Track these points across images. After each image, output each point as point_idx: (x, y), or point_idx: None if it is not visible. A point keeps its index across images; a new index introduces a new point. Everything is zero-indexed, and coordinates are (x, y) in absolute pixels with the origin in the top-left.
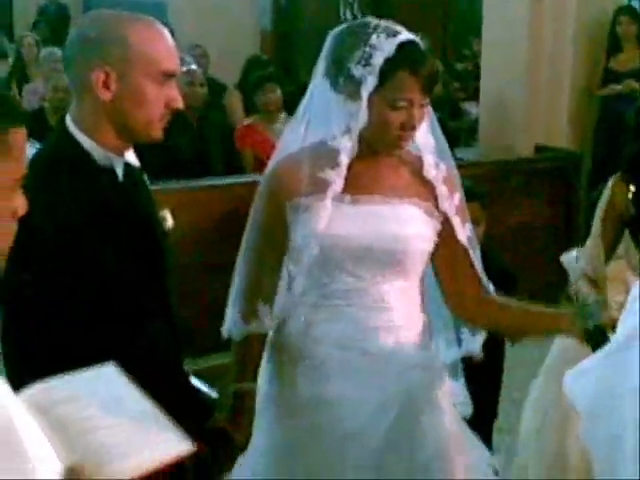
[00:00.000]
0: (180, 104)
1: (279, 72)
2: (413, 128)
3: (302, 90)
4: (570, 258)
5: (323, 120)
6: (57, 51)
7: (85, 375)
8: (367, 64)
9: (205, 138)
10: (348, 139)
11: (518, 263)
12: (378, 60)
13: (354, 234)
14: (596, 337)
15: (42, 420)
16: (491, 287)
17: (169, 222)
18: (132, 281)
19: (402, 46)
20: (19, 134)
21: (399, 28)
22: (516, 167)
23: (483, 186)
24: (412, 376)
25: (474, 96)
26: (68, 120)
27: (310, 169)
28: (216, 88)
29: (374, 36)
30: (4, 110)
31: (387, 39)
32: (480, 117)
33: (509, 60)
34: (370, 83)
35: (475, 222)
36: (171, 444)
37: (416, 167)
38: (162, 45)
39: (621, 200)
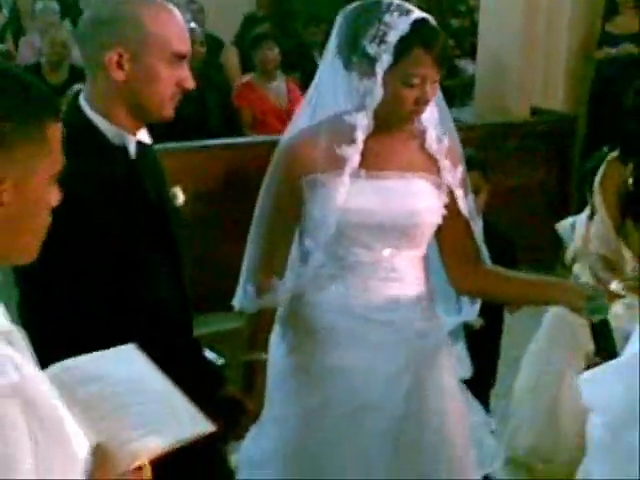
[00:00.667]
0: (191, 84)
1: (275, 29)
2: (426, 103)
3: (300, 47)
4: (565, 226)
5: (331, 96)
6: (53, 4)
7: (106, 355)
8: (382, 42)
9: (204, 96)
10: (364, 116)
11: (512, 226)
12: (393, 38)
13: (370, 209)
14: (601, 331)
15: (66, 400)
16: (488, 260)
17: (180, 199)
18: (143, 256)
19: (416, 24)
20: (56, 128)
21: (411, 6)
22: (512, 130)
23: (482, 153)
24: (421, 344)
25: (470, 53)
26: (81, 99)
27: (327, 145)
28: (213, 45)
29: (388, 14)
30: (42, 103)
31: (400, 17)
32: (476, 78)
33: (506, 21)
34: (385, 61)
35: (477, 191)
36: (191, 424)
37: (422, 141)
38: (174, 27)
39: (619, 180)
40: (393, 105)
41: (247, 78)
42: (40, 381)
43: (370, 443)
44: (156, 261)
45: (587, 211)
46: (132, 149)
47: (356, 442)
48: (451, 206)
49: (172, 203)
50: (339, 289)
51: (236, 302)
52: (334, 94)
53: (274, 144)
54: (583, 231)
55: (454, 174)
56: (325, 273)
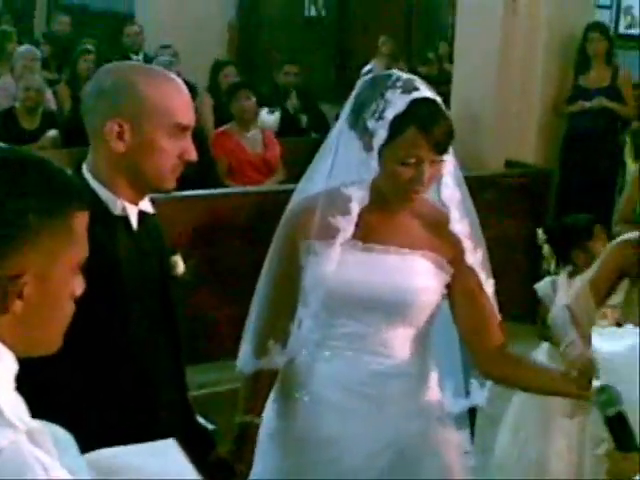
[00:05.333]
0: (194, 156)
1: (244, 73)
2: (422, 184)
3: (276, 89)
4: (545, 286)
5: (346, 166)
6: (34, 50)
7: (145, 448)
8: (380, 118)
9: None
10: (360, 188)
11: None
12: (389, 115)
13: (362, 282)
14: (618, 425)
15: None
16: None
17: (180, 267)
18: (140, 326)
19: (414, 103)
20: (82, 218)
21: (419, 84)
22: (487, 182)
23: None
24: (409, 425)
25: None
26: (84, 168)
27: (322, 214)
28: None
29: (390, 90)
30: (68, 194)
31: (401, 94)
32: None
33: (480, 74)
34: (380, 137)
35: None
36: None
37: (435, 220)
38: (176, 98)
39: (627, 258)
40: (389, 181)
41: (225, 127)
42: None
43: None
44: (153, 332)
45: (568, 269)
46: (134, 220)
47: None
48: (471, 289)
49: (172, 271)
50: (327, 358)
51: (238, 363)
52: (348, 163)
53: (250, 195)
54: (566, 290)
55: (476, 257)
56: (315, 340)
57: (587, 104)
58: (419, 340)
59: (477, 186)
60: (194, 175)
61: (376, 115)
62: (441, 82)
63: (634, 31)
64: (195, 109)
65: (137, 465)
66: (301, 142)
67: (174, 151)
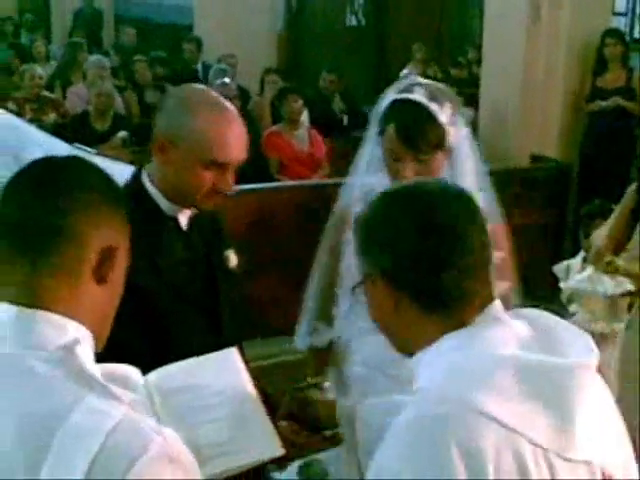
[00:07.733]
0: (228, 188)
1: (293, 78)
2: (404, 180)
3: (320, 97)
4: (561, 268)
5: (378, 161)
6: (103, 59)
7: (205, 362)
8: (376, 112)
9: None
10: (381, 177)
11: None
12: (379, 111)
13: None
14: None
15: (161, 406)
16: None
17: (233, 261)
18: (178, 318)
19: (394, 103)
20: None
21: (418, 88)
22: (515, 175)
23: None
24: None
25: (469, 101)
26: (144, 171)
27: (356, 206)
28: (242, 96)
29: (392, 90)
30: (122, 195)
31: (392, 94)
32: (480, 128)
33: (507, 76)
34: (375, 129)
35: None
36: (263, 449)
37: None
38: (222, 135)
39: (631, 204)
40: (388, 174)
41: (275, 128)
42: (175, 437)
43: None
44: (196, 317)
45: (581, 254)
46: (183, 220)
47: None
48: None
49: (225, 265)
50: (356, 337)
51: (295, 340)
52: (378, 157)
53: (299, 188)
54: (578, 274)
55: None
56: (348, 321)
57: (604, 103)
58: None
59: (505, 178)
60: (249, 171)
61: (377, 112)
62: (471, 84)
63: None
64: (249, 112)
65: (198, 382)
66: (344, 140)
67: (205, 180)
